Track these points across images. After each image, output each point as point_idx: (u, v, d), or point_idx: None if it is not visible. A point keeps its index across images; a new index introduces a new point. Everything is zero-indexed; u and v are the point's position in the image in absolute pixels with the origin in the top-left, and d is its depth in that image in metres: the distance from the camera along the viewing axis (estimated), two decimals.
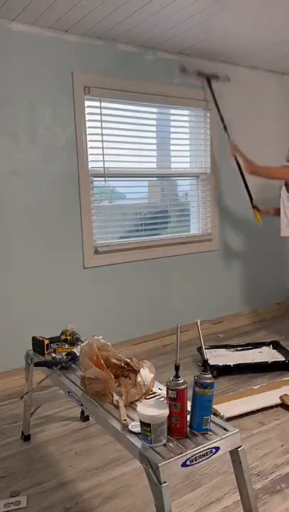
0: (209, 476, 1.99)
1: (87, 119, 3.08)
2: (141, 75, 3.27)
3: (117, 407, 1.56)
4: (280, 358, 3.24)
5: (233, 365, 3.01)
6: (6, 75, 2.73)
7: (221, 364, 3.01)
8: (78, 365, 1.93)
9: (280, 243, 4.39)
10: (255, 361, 3.08)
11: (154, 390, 1.68)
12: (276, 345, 3.41)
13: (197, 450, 1.32)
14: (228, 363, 3.02)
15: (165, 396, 1.44)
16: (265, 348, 3.42)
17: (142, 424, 1.34)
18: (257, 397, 2.64)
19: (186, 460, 1.29)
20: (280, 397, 2.58)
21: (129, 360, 1.72)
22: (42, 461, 2.15)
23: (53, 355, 2.10)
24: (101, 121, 3.15)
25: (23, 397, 2.69)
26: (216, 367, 2.97)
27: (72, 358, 1.93)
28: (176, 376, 1.39)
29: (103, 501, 1.86)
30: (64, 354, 2.04)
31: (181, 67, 3.38)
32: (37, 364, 2.02)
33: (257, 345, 3.45)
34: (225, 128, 3.53)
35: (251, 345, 3.44)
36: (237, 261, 4.06)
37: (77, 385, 1.77)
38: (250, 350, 3.39)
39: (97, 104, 3.12)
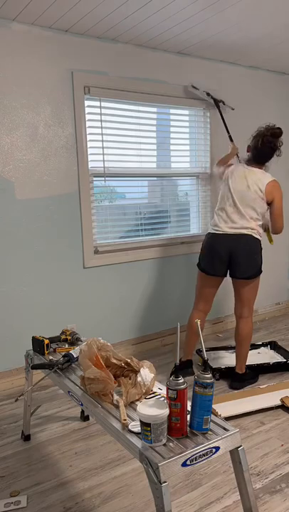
0: (209, 476, 1.99)
1: (87, 118, 3.08)
2: (141, 75, 3.27)
3: (117, 406, 1.56)
4: (279, 358, 3.25)
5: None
6: (6, 74, 2.73)
7: (223, 366, 3.01)
8: (78, 365, 1.93)
9: (280, 243, 4.40)
10: (256, 363, 3.07)
11: (154, 389, 1.68)
12: (274, 346, 3.41)
13: (197, 450, 1.32)
14: (230, 365, 3.02)
15: (165, 396, 1.44)
16: (263, 349, 3.42)
17: (142, 423, 1.34)
18: (257, 397, 2.64)
19: (186, 460, 1.29)
20: (281, 399, 2.58)
21: (129, 360, 1.72)
22: (42, 461, 2.16)
23: (50, 357, 2.08)
24: (101, 121, 3.15)
25: (17, 400, 2.70)
26: (218, 369, 2.97)
27: (69, 359, 1.92)
28: (176, 376, 1.39)
29: (103, 501, 1.86)
30: (61, 356, 2.03)
31: (192, 86, 3.39)
32: (34, 367, 2.02)
33: (255, 346, 3.45)
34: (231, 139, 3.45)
35: (250, 346, 3.43)
36: None
37: (77, 385, 1.77)
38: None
39: (97, 104, 3.12)
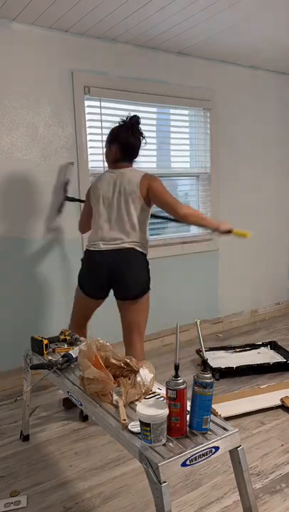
0: (209, 476, 1.99)
1: (87, 118, 3.08)
2: (141, 75, 3.27)
3: (116, 407, 1.56)
4: (279, 358, 3.25)
5: (236, 367, 3.00)
6: (6, 74, 2.73)
7: (223, 367, 3.01)
8: (77, 366, 1.92)
9: (280, 243, 4.40)
10: (256, 363, 3.07)
11: (154, 389, 1.68)
12: (274, 346, 3.41)
13: (197, 450, 1.32)
14: (230, 365, 3.02)
15: (164, 396, 1.44)
16: (263, 349, 3.42)
17: (142, 424, 1.33)
18: (257, 398, 2.64)
19: (186, 460, 1.29)
20: (281, 399, 2.58)
21: (128, 360, 1.72)
22: (42, 461, 2.15)
23: (49, 357, 2.08)
24: (101, 121, 3.15)
25: (16, 400, 2.70)
26: (218, 369, 2.97)
27: (68, 359, 1.92)
28: (176, 376, 1.38)
29: (103, 501, 1.86)
30: (60, 356, 2.02)
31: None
32: (33, 367, 2.02)
33: (255, 346, 3.45)
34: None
35: (249, 346, 3.44)
36: (237, 261, 4.06)
37: (76, 385, 1.77)
38: (248, 352, 3.39)
39: (97, 104, 3.12)
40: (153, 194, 2.34)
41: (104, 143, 2.46)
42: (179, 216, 2.33)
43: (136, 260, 2.35)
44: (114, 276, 2.34)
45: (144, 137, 2.39)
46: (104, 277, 2.36)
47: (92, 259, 2.38)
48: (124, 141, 2.34)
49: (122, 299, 2.39)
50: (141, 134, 2.38)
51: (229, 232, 2.37)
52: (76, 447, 2.27)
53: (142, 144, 2.40)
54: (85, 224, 2.55)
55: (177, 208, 2.31)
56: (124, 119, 2.38)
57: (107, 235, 2.34)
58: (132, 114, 2.40)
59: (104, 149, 2.46)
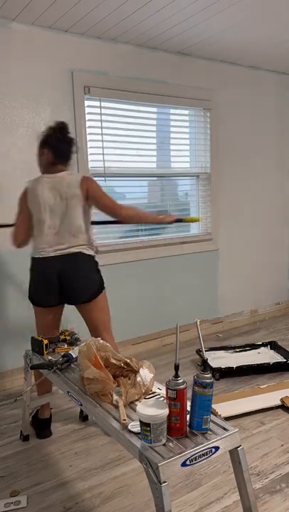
0: (209, 476, 1.99)
1: (87, 118, 3.08)
2: (141, 75, 3.27)
3: (116, 407, 1.56)
4: (279, 358, 3.25)
5: (236, 367, 3.01)
6: (6, 74, 2.73)
7: (223, 367, 3.01)
8: (77, 366, 1.92)
9: (280, 243, 4.40)
10: (256, 363, 3.07)
11: (154, 389, 1.68)
12: (274, 346, 3.41)
13: (197, 450, 1.32)
14: (230, 365, 3.03)
15: (164, 396, 1.44)
16: (263, 349, 3.42)
17: (142, 423, 1.33)
18: (257, 398, 2.64)
19: (186, 460, 1.29)
20: (281, 399, 2.58)
21: (128, 360, 1.72)
22: (42, 461, 2.16)
23: (49, 357, 2.08)
24: (101, 121, 3.15)
25: (16, 400, 2.70)
26: (218, 369, 2.97)
27: (68, 359, 1.91)
28: (176, 376, 1.38)
29: (103, 501, 1.86)
30: (60, 356, 2.02)
31: None
32: (33, 367, 2.02)
33: (255, 346, 3.45)
34: None
35: (249, 346, 3.44)
36: (237, 261, 4.06)
37: (76, 385, 1.77)
38: (248, 352, 3.39)
39: (97, 104, 3.13)
40: (92, 197, 2.31)
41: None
42: (120, 218, 2.34)
43: (84, 264, 2.29)
44: (65, 282, 2.26)
45: (74, 143, 2.36)
46: (56, 283, 2.27)
47: (40, 266, 2.27)
48: (56, 143, 2.28)
49: (78, 303, 2.34)
50: (71, 138, 2.34)
51: (179, 221, 2.50)
52: (76, 447, 2.27)
53: (72, 149, 2.35)
54: (21, 233, 2.34)
55: (116, 210, 2.32)
56: (52, 124, 2.32)
57: (52, 241, 2.26)
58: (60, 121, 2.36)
59: (37, 155, 2.37)
